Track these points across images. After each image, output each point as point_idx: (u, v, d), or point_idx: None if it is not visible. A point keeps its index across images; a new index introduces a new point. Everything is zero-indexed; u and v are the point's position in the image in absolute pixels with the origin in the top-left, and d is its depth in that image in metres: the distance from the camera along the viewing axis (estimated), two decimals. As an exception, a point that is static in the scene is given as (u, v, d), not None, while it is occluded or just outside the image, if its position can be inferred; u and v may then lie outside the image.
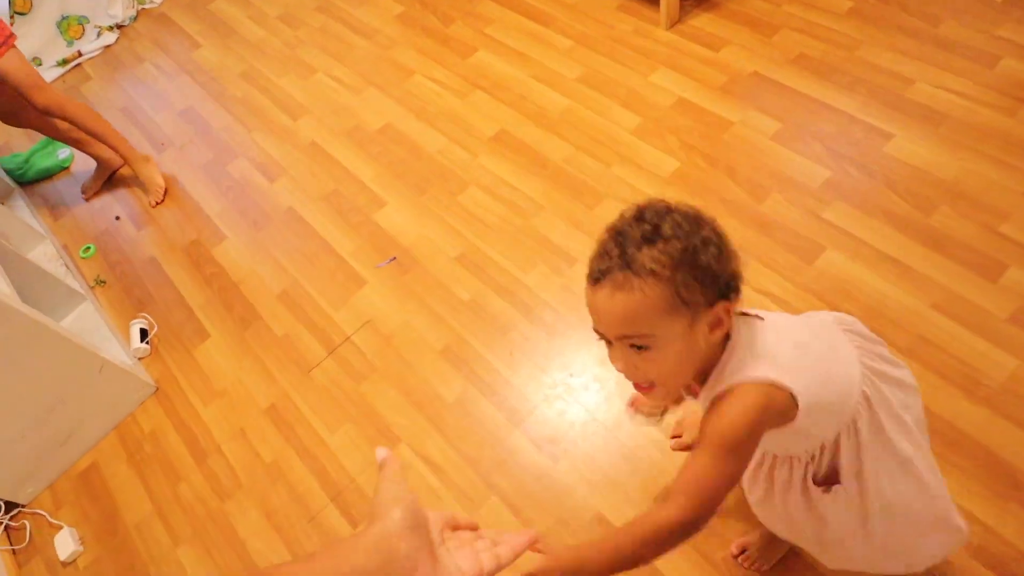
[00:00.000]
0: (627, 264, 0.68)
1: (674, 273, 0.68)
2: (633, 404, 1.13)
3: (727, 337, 0.76)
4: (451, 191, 1.97)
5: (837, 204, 1.66)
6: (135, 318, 1.94)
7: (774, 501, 0.93)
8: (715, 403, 0.74)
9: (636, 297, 0.68)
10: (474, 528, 0.60)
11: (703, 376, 0.78)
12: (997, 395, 1.32)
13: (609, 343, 0.75)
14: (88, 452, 1.75)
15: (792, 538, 1.05)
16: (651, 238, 0.69)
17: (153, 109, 2.56)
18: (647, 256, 0.68)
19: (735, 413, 0.71)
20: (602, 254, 0.71)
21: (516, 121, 2.07)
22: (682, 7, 2.18)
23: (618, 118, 1.99)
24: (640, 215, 0.72)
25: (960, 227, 1.55)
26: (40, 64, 2.83)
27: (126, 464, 1.72)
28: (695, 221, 0.72)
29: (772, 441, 0.82)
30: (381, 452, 0.57)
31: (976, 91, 1.77)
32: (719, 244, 0.72)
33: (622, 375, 0.77)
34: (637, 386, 0.78)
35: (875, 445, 0.83)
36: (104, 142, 2.19)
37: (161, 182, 2.25)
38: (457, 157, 2.05)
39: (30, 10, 2.77)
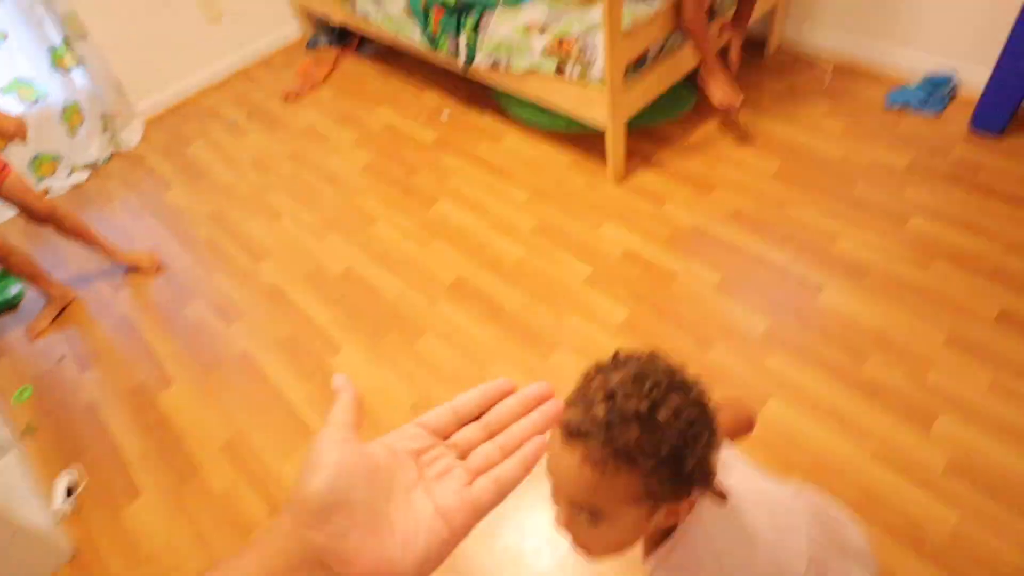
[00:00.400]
0: (609, 440, 0.62)
1: (654, 469, 0.62)
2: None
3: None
4: (408, 338, 2.00)
5: (778, 353, 1.74)
6: (64, 470, 1.84)
7: None
8: None
9: (607, 481, 0.63)
10: (486, 405, 0.44)
11: (653, 541, 0.77)
12: (944, 551, 1.33)
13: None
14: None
15: None
16: (646, 420, 0.62)
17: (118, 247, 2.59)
18: (633, 442, 0.61)
19: None
20: (586, 408, 0.63)
21: (474, 269, 2.16)
22: (628, 165, 2.37)
23: (571, 268, 2.09)
24: (641, 378, 0.64)
25: (890, 376, 1.64)
26: (6, 203, 2.87)
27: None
28: (694, 406, 0.65)
29: None
30: (338, 379, 0.44)
31: (892, 246, 1.93)
32: (709, 442, 0.65)
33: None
34: (574, 544, 0.72)
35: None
36: (94, 242, 2.35)
37: (149, 256, 2.41)
38: (415, 303, 2.10)
39: (5, 147, 2.85)
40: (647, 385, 0.63)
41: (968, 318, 1.72)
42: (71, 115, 2.96)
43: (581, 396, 0.65)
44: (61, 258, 2.57)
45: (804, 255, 1.97)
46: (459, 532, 0.39)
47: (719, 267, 1.99)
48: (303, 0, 3.41)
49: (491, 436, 0.43)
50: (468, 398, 0.44)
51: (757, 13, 2.41)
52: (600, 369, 0.67)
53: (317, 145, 2.87)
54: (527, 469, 0.41)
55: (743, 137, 2.40)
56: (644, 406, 0.62)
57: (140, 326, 2.25)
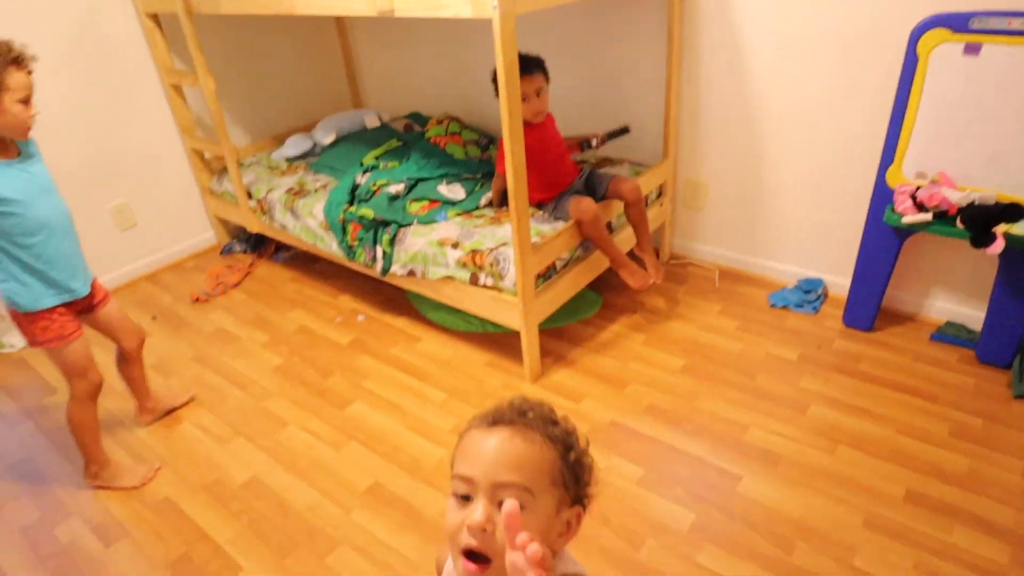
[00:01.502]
0: (530, 423, 0.73)
1: (565, 452, 0.73)
2: None
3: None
4: (319, 552, 1.82)
5: (708, 547, 1.71)
6: None
7: None
8: None
9: (534, 450, 0.70)
10: None
11: None
12: None
13: (466, 499, 0.71)
14: None
15: None
16: (548, 418, 0.76)
17: (-22, 463, 2.29)
18: (550, 428, 0.73)
19: None
20: (499, 411, 0.75)
21: (390, 473, 2.06)
22: (543, 364, 2.45)
23: (493, 465, 2.04)
24: (533, 403, 0.78)
25: (819, 563, 1.63)
26: None
27: None
28: (572, 427, 0.79)
29: None
30: None
31: (797, 433, 2.04)
32: (588, 456, 0.79)
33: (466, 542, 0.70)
34: (469, 558, 0.69)
35: None
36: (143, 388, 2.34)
37: (137, 475, 2.15)
38: (328, 513, 1.94)
39: None
40: (539, 404, 0.78)
41: (879, 500, 1.79)
42: (-47, 319, 2.77)
43: (484, 415, 0.76)
44: None
45: (719, 446, 2.03)
46: None
47: (640, 461, 2.01)
48: (220, 210, 3.54)
49: None
50: None
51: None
52: (499, 404, 0.78)
53: (226, 347, 2.79)
54: None
55: (648, 336, 2.57)
56: (543, 410, 0.77)
57: (-5, 556, 1.92)
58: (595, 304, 2.77)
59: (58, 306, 1.90)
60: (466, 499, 0.70)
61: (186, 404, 2.47)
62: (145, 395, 2.36)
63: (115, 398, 2.51)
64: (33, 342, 1.92)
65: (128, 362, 2.26)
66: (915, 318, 2.53)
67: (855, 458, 1.94)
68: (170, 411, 2.44)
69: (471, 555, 0.69)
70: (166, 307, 3.16)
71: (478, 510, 0.68)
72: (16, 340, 2.96)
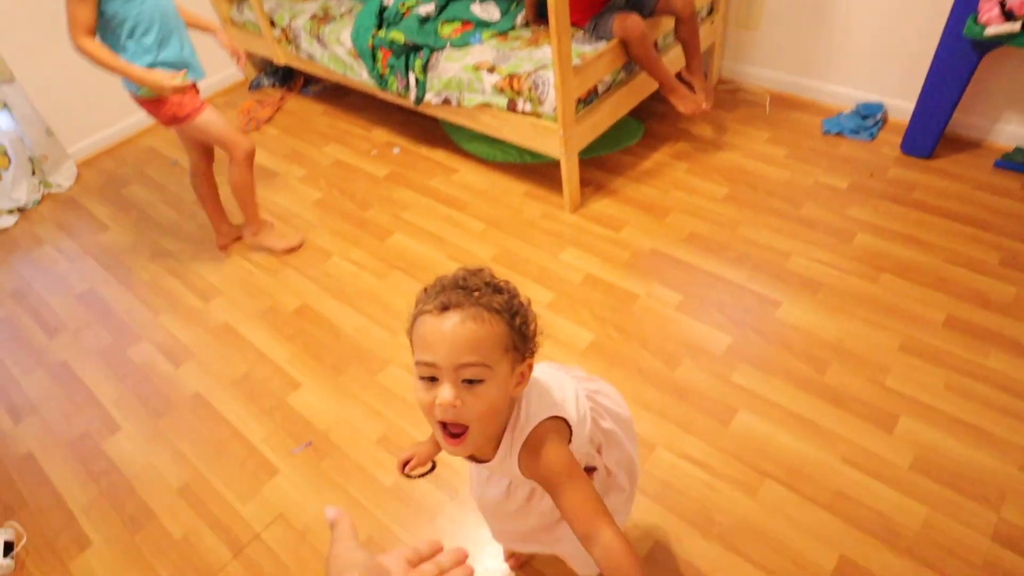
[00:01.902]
0: (477, 301, 0.76)
1: (512, 319, 0.78)
2: (405, 468, 1.12)
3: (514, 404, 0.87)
4: (370, 370, 1.94)
5: (742, 367, 1.77)
6: (0, 527, 1.69)
7: (529, 523, 1.08)
8: (531, 452, 0.84)
9: (486, 328, 0.75)
10: (436, 551, 0.61)
11: (496, 441, 0.87)
12: (916, 544, 1.36)
13: (433, 380, 0.77)
14: None
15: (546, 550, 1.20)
16: (494, 287, 0.79)
17: (48, 292, 2.45)
18: (494, 299, 0.77)
19: (553, 451, 0.84)
20: (446, 292, 0.77)
21: (435, 298, 2.13)
22: (583, 193, 2.41)
23: (532, 294, 2.09)
24: (473, 272, 0.81)
25: (852, 383, 1.69)
26: (-76, 250, 2.68)
27: None
28: (513, 289, 0.83)
29: None
30: (330, 512, 0.59)
31: (841, 262, 2.02)
32: (530, 312, 0.84)
33: (437, 417, 0.77)
34: (447, 432, 0.79)
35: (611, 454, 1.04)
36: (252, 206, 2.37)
37: (291, 239, 2.41)
38: (376, 336, 2.05)
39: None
40: (478, 272, 0.81)
41: (918, 325, 1.80)
42: (-2, 157, 2.82)
43: (433, 291, 0.79)
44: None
45: (759, 273, 2.03)
46: None
47: (679, 288, 2.03)
48: (244, 42, 3.39)
49: (442, 572, 0.59)
50: (423, 544, 0.62)
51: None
52: (434, 282, 0.81)
53: (265, 182, 2.80)
54: None
55: (691, 165, 2.48)
56: (486, 278, 0.80)
57: (80, 372, 2.11)
58: (637, 132, 2.66)
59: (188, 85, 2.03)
60: (433, 380, 0.76)
61: (292, 250, 2.43)
62: (252, 220, 2.42)
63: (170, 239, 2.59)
64: (174, 121, 2.06)
65: (206, 178, 2.38)
66: (980, 144, 2.38)
67: (898, 285, 1.92)
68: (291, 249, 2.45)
69: (448, 430, 0.79)
70: (201, 143, 3.14)
71: (446, 391, 0.75)
72: (63, 180, 3.01)
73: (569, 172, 2.26)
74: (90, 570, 1.61)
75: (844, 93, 2.63)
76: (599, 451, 1.04)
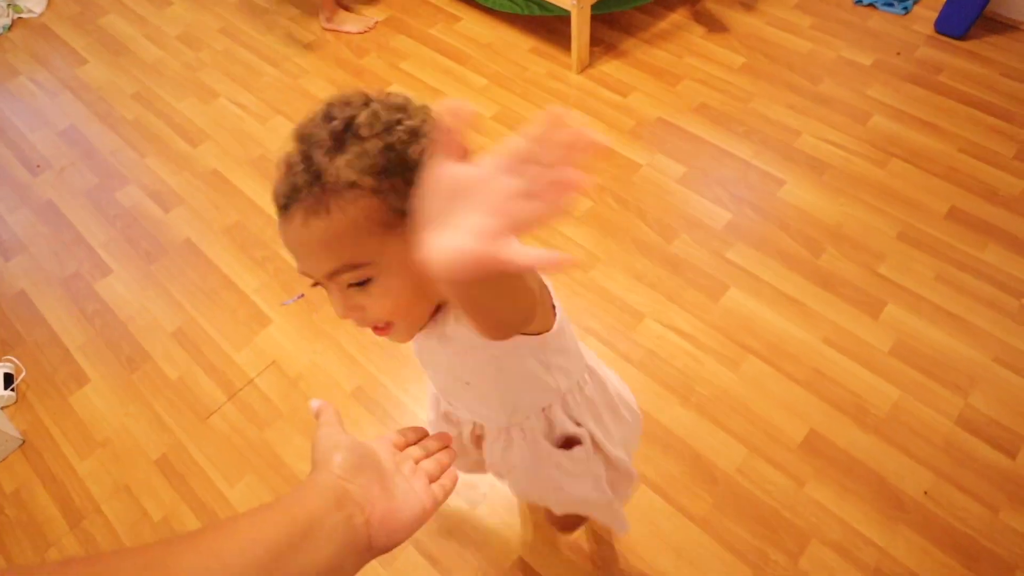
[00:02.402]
0: (316, 178, 0.54)
1: (379, 181, 0.53)
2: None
3: None
4: (364, 225, 1.92)
5: (738, 245, 1.76)
6: (-1, 361, 1.74)
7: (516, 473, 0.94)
8: None
9: (336, 220, 0.54)
10: (422, 436, 0.63)
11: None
12: (884, 423, 1.43)
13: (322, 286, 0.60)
14: (-64, 516, 1.52)
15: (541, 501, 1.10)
16: (342, 139, 0.54)
17: (28, 127, 2.34)
18: (341, 164, 0.53)
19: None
20: (287, 170, 0.56)
21: (431, 157, 2.06)
22: (592, 53, 2.27)
23: (532, 157, 2.02)
24: (328, 113, 0.56)
25: (844, 267, 1.69)
26: None
27: (-18, 529, 1.51)
28: (398, 109, 0.56)
29: (517, 392, 0.79)
30: (315, 403, 0.57)
31: (852, 144, 1.95)
32: (430, 134, 0.55)
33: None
34: (374, 328, 0.63)
35: (598, 405, 0.87)
36: None
37: (362, 23, 2.49)
38: (370, 191, 2.00)
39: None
40: (336, 111, 0.56)
41: (920, 214, 1.78)
42: (-40, -28, 2.58)
43: (283, 160, 0.57)
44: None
45: (766, 150, 1.96)
46: (430, 511, 0.55)
47: (683, 160, 1.97)
48: None
49: (428, 455, 0.61)
50: (409, 430, 0.63)
51: None
52: (295, 128, 0.58)
53: (253, 20, 2.61)
54: (454, 485, 0.60)
55: (710, 28, 2.32)
56: (337, 127, 0.54)
57: (67, 213, 2.07)
58: (655, -11, 2.46)
59: None
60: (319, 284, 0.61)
61: (365, 32, 2.50)
62: None
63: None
64: None
65: None
66: (1020, 27, 2.22)
67: (906, 172, 1.87)
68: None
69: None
70: (182, -29, 2.88)
71: (336, 304, 0.60)
72: (34, 4, 2.78)
73: (579, 28, 2.11)
74: (90, 404, 1.67)
75: (884, -43, 2.41)
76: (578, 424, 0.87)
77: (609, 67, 2.25)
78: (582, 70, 2.24)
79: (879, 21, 2.29)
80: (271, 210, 1.93)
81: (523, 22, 2.43)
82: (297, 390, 1.63)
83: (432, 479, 0.58)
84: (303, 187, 0.54)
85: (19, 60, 2.60)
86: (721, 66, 2.21)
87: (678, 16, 2.39)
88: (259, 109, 2.29)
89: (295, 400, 1.61)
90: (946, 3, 2.17)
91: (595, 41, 2.28)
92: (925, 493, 1.34)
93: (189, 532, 0.42)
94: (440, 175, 0.38)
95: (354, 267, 0.57)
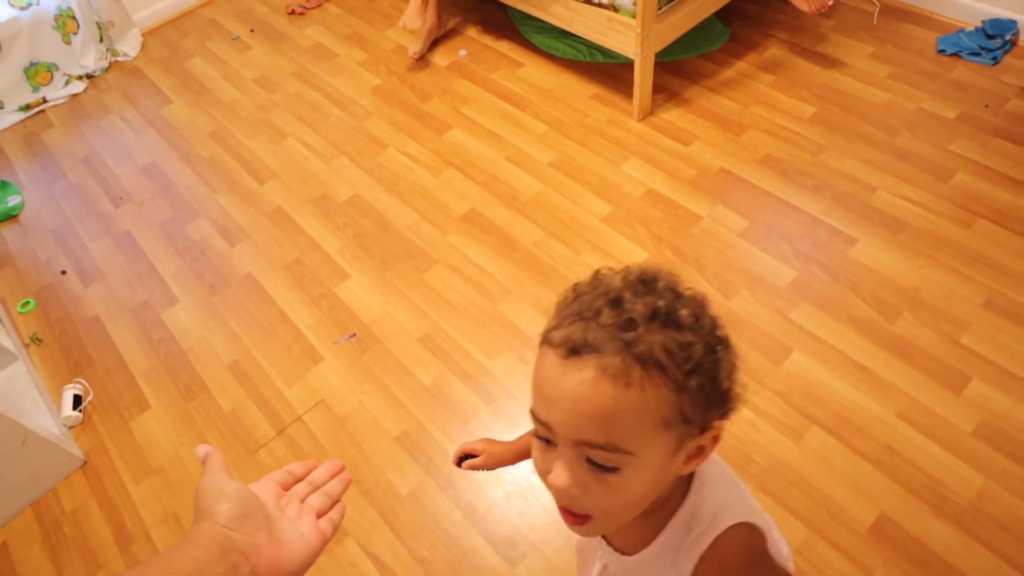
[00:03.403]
0: (629, 345, 0.47)
1: (688, 378, 0.48)
2: (461, 464, 0.92)
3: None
4: (418, 268, 1.93)
5: (804, 305, 1.67)
6: (70, 382, 1.81)
7: None
8: (722, 571, 0.57)
9: (633, 397, 0.47)
10: (310, 470, 0.62)
11: (648, 526, 0.61)
12: (965, 513, 1.30)
13: (549, 443, 0.52)
14: (-3, 531, 1.59)
15: None
16: (666, 319, 0.49)
17: (115, 161, 2.49)
18: (659, 344, 0.47)
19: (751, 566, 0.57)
20: (585, 320, 0.49)
21: (487, 201, 2.06)
22: (654, 101, 2.24)
23: (589, 205, 2.00)
24: (649, 279, 0.51)
25: (923, 336, 1.57)
26: (2, 107, 2.75)
27: (39, 547, 1.56)
28: (710, 310, 0.53)
29: None
30: (202, 449, 0.56)
31: (933, 202, 1.84)
32: (733, 350, 0.53)
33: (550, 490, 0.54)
34: (566, 513, 0.54)
35: None
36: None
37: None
38: (426, 234, 2.01)
39: (-1, 53, 2.71)
40: (660, 284, 0.51)
41: (1008, 280, 1.64)
42: (64, 22, 2.80)
43: (573, 312, 0.51)
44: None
45: (838, 206, 1.87)
46: (318, 551, 0.55)
47: (747, 212, 1.90)
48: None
49: (316, 489, 0.60)
50: (297, 465, 0.62)
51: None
52: (588, 284, 0.53)
53: (324, 64, 2.72)
54: (342, 516, 0.60)
55: (778, 77, 2.25)
56: (663, 303, 0.49)
57: (143, 244, 2.17)
58: (722, 36, 2.42)
59: None
60: (549, 442, 0.52)
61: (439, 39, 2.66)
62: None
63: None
64: None
65: None
66: (1123, 77, 2.07)
67: (993, 234, 1.74)
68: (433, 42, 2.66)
69: (566, 510, 0.54)
70: (262, 19, 3.04)
71: (560, 473, 0.50)
72: (129, 49, 2.99)
73: (642, 75, 2.09)
74: (149, 430, 1.72)
75: (969, 5, 2.30)
76: None
77: (671, 115, 2.21)
78: (643, 117, 2.21)
79: (964, 72, 2.17)
80: (329, 249, 1.97)
81: (585, 69, 2.44)
82: (344, 431, 1.62)
83: (320, 514, 0.58)
84: (607, 345, 0.48)
85: (112, 99, 2.78)
86: (789, 116, 2.13)
87: (744, 64, 2.34)
88: (324, 149, 2.36)
89: (342, 440, 1.61)
90: (1040, 54, 2.04)
91: (658, 88, 2.26)
92: (1012, 595, 1.21)
93: None
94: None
95: (615, 450, 0.49)
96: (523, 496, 1.46)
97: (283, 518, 0.55)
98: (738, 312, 1.68)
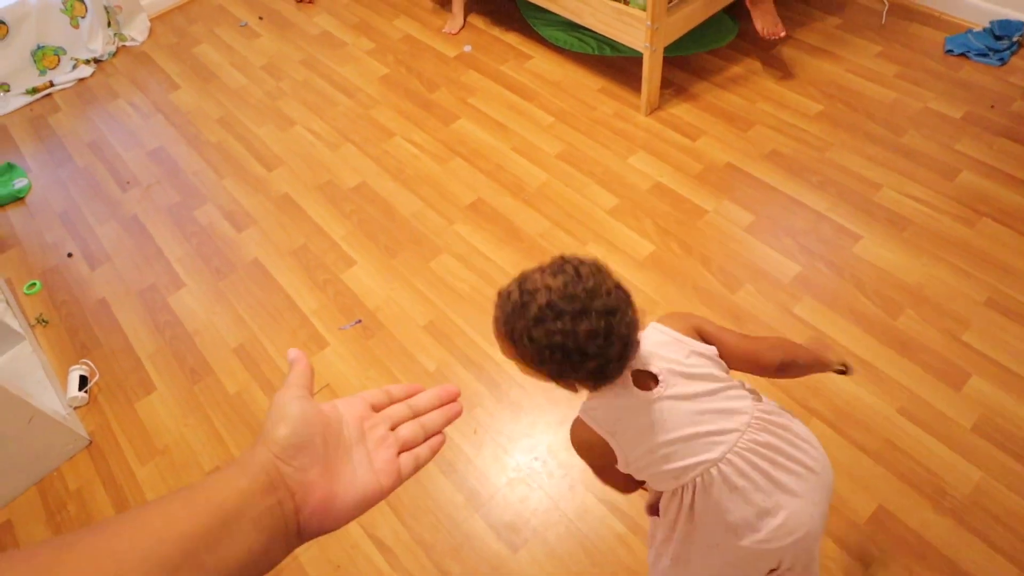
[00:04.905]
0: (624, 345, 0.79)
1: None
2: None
3: None
4: (423, 256, 1.94)
5: (807, 300, 1.68)
6: (76, 363, 1.82)
7: None
8: None
9: None
10: (413, 393, 0.54)
11: None
12: (963, 507, 1.31)
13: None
14: (2, 508, 1.60)
15: None
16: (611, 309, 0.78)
17: (122, 146, 2.50)
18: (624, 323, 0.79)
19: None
20: (604, 341, 0.77)
21: (493, 191, 2.07)
22: (662, 95, 2.25)
23: (595, 197, 2.01)
24: (579, 279, 0.79)
25: (924, 332, 1.58)
26: (8, 90, 2.75)
27: (44, 525, 1.57)
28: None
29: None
30: (292, 353, 0.52)
31: (938, 200, 1.85)
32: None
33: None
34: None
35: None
36: None
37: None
38: (432, 222, 2.02)
39: (5, 35, 2.71)
40: (583, 281, 0.78)
41: (1011, 279, 1.65)
42: (72, 5, 2.80)
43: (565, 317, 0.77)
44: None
45: (843, 202, 1.88)
46: (386, 490, 0.48)
47: (752, 208, 1.91)
48: None
49: (415, 416, 0.53)
50: (399, 387, 0.55)
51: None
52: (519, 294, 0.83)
53: (332, 52, 2.72)
54: (434, 454, 0.52)
55: (785, 74, 2.26)
56: (605, 301, 0.77)
57: (150, 228, 2.18)
58: (730, 32, 2.42)
59: None
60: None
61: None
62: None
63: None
64: None
65: None
66: None
67: (997, 233, 1.75)
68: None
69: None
70: (270, 6, 3.05)
71: None
72: (137, 34, 2.99)
73: (651, 69, 2.10)
74: (154, 412, 1.73)
75: (978, 6, 2.31)
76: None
77: (679, 110, 2.22)
78: (651, 112, 2.22)
79: (971, 72, 2.18)
80: (335, 235, 1.98)
81: (593, 62, 2.44)
82: (346, 416, 1.64)
83: (406, 448, 0.50)
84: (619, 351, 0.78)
85: (120, 84, 2.79)
86: (796, 113, 2.14)
87: (752, 60, 2.34)
88: (331, 137, 2.36)
89: (344, 426, 1.62)
90: (1047, 55, 2.05)
91: (666, 83, 2.27)
92: (1007, 588, 1.22)
93: (93, 526, 0.37)
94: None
95: None
96: (525, 482, 1.47)
97: (361, 445, 0.49)
98: (742, 305, 1.69)
